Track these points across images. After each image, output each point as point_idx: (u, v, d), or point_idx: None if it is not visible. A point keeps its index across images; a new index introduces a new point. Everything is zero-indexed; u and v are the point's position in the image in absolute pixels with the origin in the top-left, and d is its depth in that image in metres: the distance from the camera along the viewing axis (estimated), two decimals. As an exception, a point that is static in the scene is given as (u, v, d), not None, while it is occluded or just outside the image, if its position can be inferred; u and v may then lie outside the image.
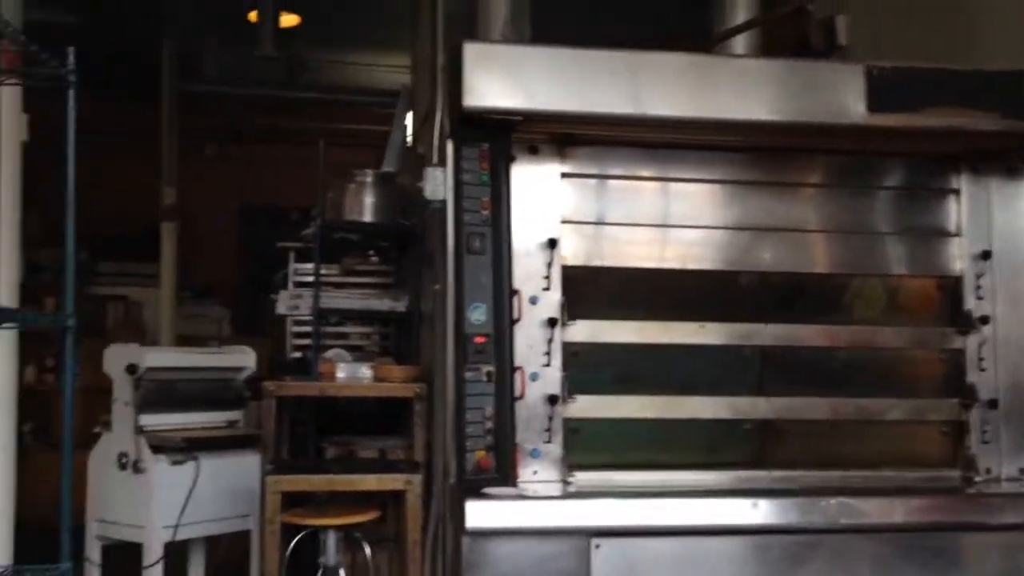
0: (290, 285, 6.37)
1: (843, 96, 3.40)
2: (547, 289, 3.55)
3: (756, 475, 3.70)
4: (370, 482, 5.04)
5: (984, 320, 3.84)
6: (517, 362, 3.45)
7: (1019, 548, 3.48)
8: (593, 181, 3.73)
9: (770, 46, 4.19)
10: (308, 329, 6.20)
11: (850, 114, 3.40)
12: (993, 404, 3.82)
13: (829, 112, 3.42)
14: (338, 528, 4.91)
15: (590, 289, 3.71)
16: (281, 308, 6.31)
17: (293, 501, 5.07)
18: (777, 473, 3.70)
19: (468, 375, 3.37)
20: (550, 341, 3.52)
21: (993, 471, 3.80)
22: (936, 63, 3.55)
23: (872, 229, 3.90)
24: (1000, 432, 3.82)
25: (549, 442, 3.49)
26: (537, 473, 3.49)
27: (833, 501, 3.36)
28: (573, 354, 3.58)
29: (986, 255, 3.86)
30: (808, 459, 3.78)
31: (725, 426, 3.78)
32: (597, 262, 3.71)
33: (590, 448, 3.63)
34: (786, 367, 3.86)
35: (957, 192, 3.90)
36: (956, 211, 3.90)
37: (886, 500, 3.46)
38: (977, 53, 5.43)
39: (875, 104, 3.38)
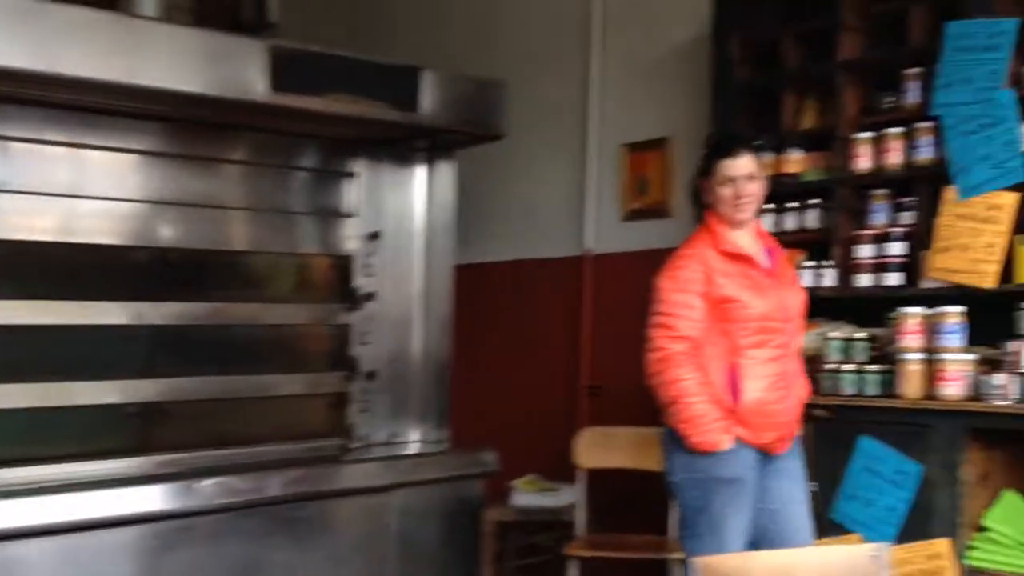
0: None
1: (247, 72, 3.31)
2: None
3: (141, 461, 3.51)
4: None
5: (370, 297, 4.03)
6: None
7: (386, 508, 3.71)
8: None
9: (201, 15, 3.94)
10: None
11: (253, 91, 3.32)
12: (372, 376, 4.04)
13: (232, 87, 3.30)
14: None
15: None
16: None
17: None
18: (164, 457, 3.55)
19: None
20: None
21: (369, 438, 4.03)
22: (349, 50, 3.61)
23: (277, 208, 3.90)
24: (377, 402, 4.06)
25: None
26: None
27: (210, 482, 3.29)
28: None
29: (375, 236, 4.05)
30: (199, 440, 3.68)
31: (111, 412, 3.54)
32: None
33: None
34: (182, 347, 3.72)
35: (354, 175, 4.04)
36: (353, 193, 4.04)
37: (263, 475, 3.46)
38: (400, 44, 5.66)
39: (278, 83, 3.34)
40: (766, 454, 3.06)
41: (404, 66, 3.70)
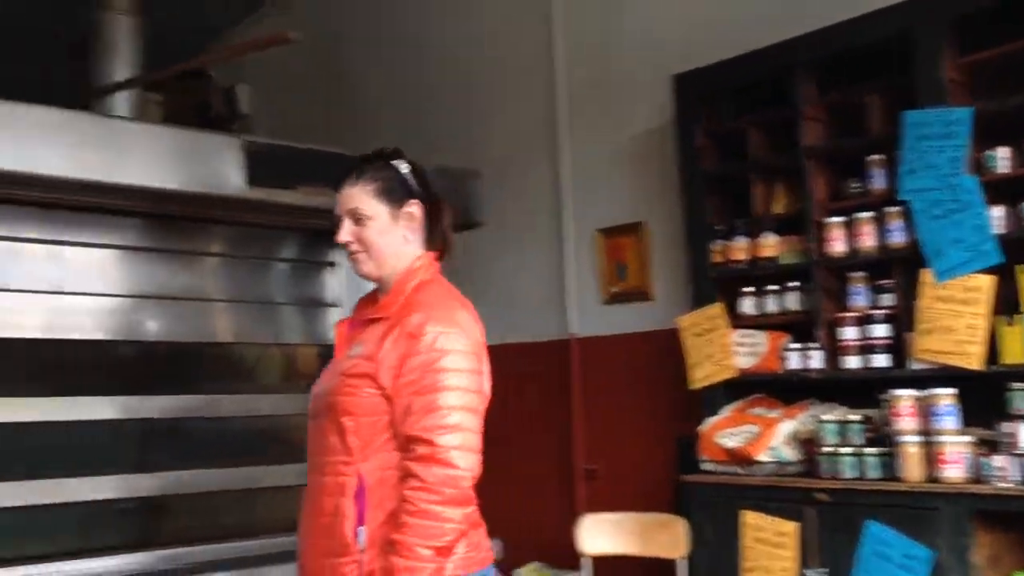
0: None
1: (223, 167, 2.86)
2: None
3: (142, 557, 2.94)
4: None
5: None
6: None
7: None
8: (-46, 239, 2.80)
9: (171, 107, 3.54)
10: None
11: (229, 186, 2.87)
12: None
13: (208, 182, 2.84)
14: None
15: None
16: None
17: None
18: (165, 552, 2.97)
19: None
20: None
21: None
22: (320, 140, 3.13)
23: (259, 299, 3.37)
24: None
25: None
26: None
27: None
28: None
29: (358, 326, 3.50)
30: (196, 533, 3.10)
31: (107, 507, 2.99)
32: (-44, 332, 2.79)
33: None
34: (174, 440, 3.17)
35: (335, 265, 3.51)
36: (334, 283, 3.51)
37: (264, 568, 2.95)
38: (359, 134, 5.25)
39: (253, 178, 2.89)
40: None
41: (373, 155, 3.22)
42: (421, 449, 1.82)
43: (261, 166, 2.88)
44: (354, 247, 1.99)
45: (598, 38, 4.34)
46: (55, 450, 2.93)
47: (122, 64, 3.32)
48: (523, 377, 4.53)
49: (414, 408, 1.84)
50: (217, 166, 2.83)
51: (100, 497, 2.94)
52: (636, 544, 3.40)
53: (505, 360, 4.59)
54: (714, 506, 3.19)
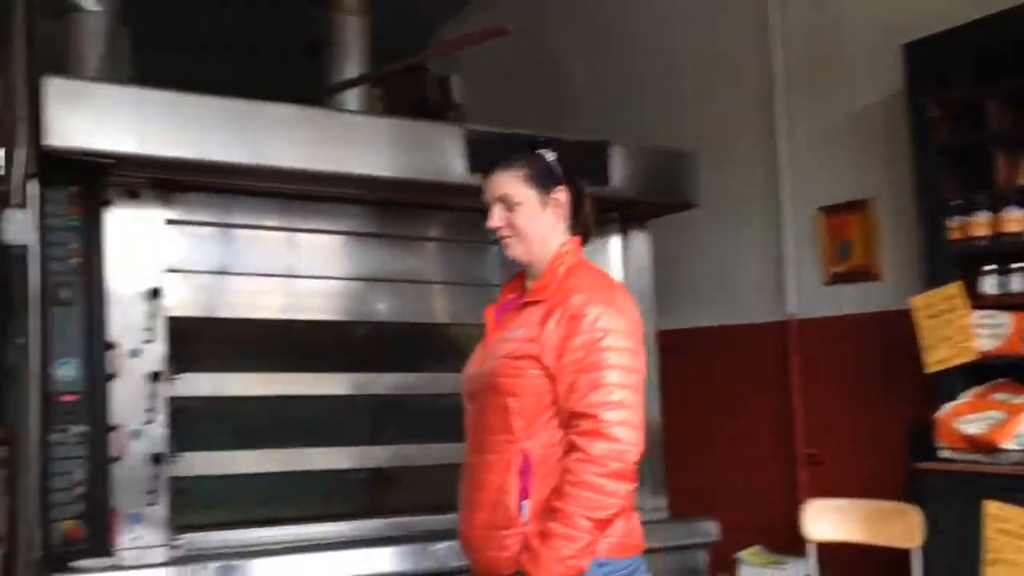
0: None
1: (446, 156, 2.97)
2: (150, 341, 2.83)
3: (373, 524, 3.13)
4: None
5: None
6: (116, 420, 2.76)
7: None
8: (207, 229, 3.06)
9: (391, 100, 3.71)
10: None
11: (453, 173, 2.97)
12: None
13: (433, 170, 2.97)
14: None
15: (205, 340, 3.07)
16: None
17: None
18: (394, 520, 3.15)
19: (54, 437, 2.64)
20: (154, 396, 2.82)
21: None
22: (528, 127, 3.18)
23: (475, 281, 3.46)
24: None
25: (154, 504, 2.79)
26: (139, 539, 2.77)
27: (444, 545, 2.90)
28: (179, 409, 2.89)
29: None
30: (425, 504, 3.24)
31: (342, 476, 3.24)
32: (210, 313, 3.07)
33: (202, 508, 2.99)
34: (404, 415, 3.38)
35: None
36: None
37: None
38: (566, 121, 5.28)
39: (475, 165, 2.96)
40: None
41: (594, 141, 3.25)
42: (586, 424, 1.88)
43: (482, 153, 2.94)
44: (504, 232, 2.07)
45: (816, 9, 4.15)
46: (295, 422, 3.17)
47: (351, 62, 3.51)
48: (741, 359, 4.42)
49: (579, 385, 1.89)
50: (441, 155, 2.95)
51: (334, 467, 3.16)
52: (863, 531, 3.24)
53: (723, 342, 4.55)
54: (952, 495, 3.02)
